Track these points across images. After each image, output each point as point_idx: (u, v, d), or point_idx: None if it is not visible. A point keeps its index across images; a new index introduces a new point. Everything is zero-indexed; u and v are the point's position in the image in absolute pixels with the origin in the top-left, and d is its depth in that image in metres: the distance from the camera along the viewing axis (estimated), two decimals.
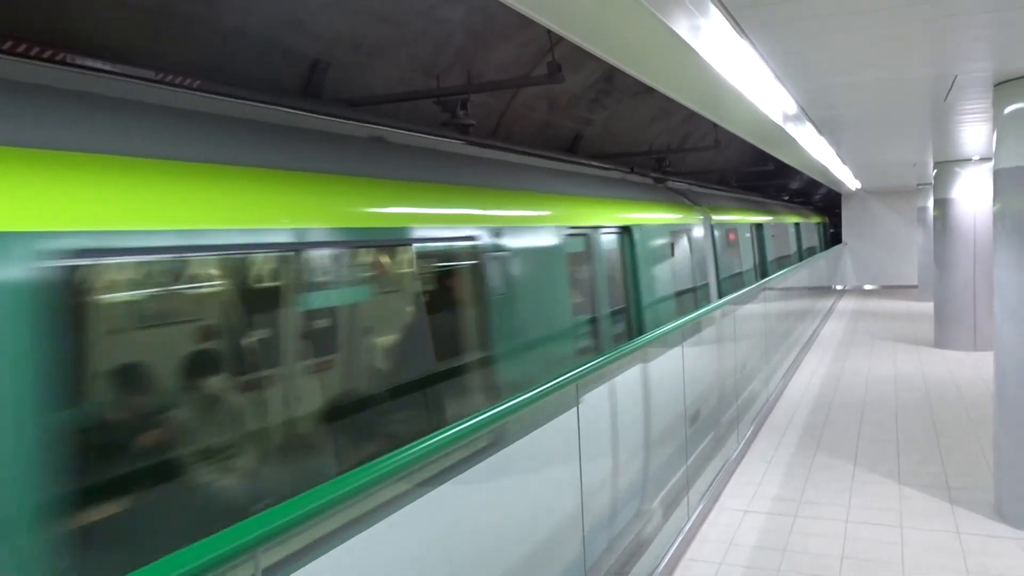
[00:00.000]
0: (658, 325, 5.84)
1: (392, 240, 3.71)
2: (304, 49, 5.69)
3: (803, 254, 19.61)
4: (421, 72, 6.78)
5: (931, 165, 12.72)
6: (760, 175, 19.03)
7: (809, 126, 7.44)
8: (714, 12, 3.33)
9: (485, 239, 4.30)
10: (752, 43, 3.93)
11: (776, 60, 4.40)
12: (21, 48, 2.81)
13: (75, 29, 4.24)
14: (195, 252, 2.60)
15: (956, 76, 5.17)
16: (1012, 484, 5.12)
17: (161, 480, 2.52)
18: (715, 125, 9.74)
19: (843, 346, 12.71)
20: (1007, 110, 5.20)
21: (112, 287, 2.51)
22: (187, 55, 4.97)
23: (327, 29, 5.65)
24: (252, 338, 3.05)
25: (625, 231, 6.67)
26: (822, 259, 17.59)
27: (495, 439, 3.32)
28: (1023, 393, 5.03)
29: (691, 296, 8.53)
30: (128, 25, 4.53)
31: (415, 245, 3.91)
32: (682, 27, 3.46)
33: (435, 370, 3.98)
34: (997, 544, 4.75)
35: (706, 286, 9.29)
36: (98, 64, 3.06)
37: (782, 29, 3.72)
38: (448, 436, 2.32)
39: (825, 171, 13.90)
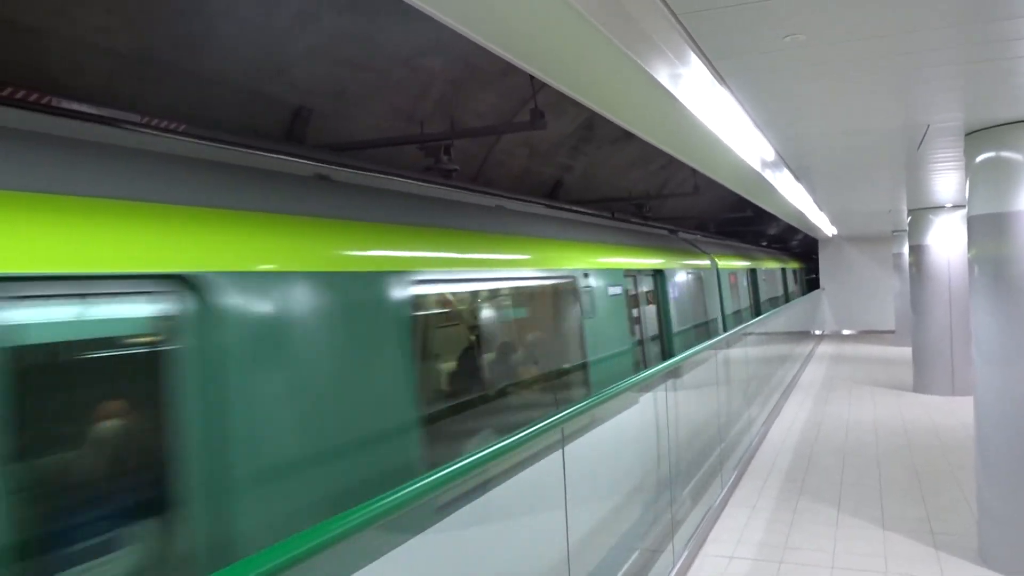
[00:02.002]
0: (681, 346, 8.29)
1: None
2: (286, 97, 5.73)
3: (789, 296, 20.35)
4: (403, 119, 6.85)
5: (905, 212, 12.95)
6: (738, 221, 19.27)
7: (787, 173, 7.57)
8: (694, 60, 3.40)
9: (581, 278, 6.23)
10: (731, 91, 4.01)
11: (755, 108, 4.48)
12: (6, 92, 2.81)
13: (56, 73, 4.24)
14: None
15: (929, 126, 5.29)
16: (995, 529, 5.11)
17: None
18: (694, 171, 9.90)
19: (823, 390, 12.76)
20: (978, 159, 5.32)
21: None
22: (169, 101, 4.98)
23: (309, 77, 5.70)
24: None
25: (657, 273, 8.56)
26: (801, 303, 17.82)
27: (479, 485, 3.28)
28: (1004, 439, 5.06)
29: (704, 327, 10.34)
30: (110, 71, 4.54)
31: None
32: (663, 75, 3.53)
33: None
34: None
35: (716, 320, 11.24)
36: (83, 108, 3.06)
37: (761, 78, 3.81)
38: (434, 480, 2.28)
39: (802, 217, 14.11)
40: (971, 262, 5.39)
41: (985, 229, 5.21)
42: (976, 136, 5.32)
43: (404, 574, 2.66)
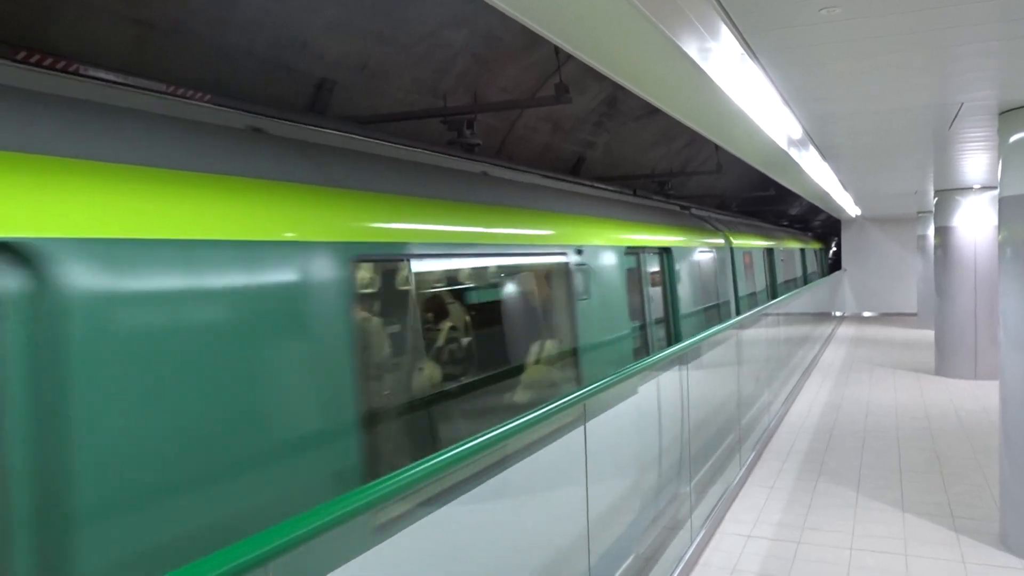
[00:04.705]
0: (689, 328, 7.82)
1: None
2: (309, 69, 5.70)
3: (808, 278, 19.65)
4: (426, 93, 6.80)
5: (932, 193, 12.76)
6: (761, 200, 19.08)
7: (813, 151, 7.46)
8: (725, 34, 3.34)
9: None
10: (762, 66, 3.94)
11: (785, 84, 4.40)
12: (34, 59, 2.80)
13: (85, 42, 4.24)
14: None
15: (962, 104, 5.18)
16: (1018, 514, 5.06)
17: None
18: (717, 149, 9.78)
19: (843, 373, 12.67)
20: (1012, 138, 5.21)
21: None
22: (194, 72, 4.97)
23: (332, 50, 5.67)
24: None
25: (665, 251, 7.79)
26: (822, 285, 17.52)
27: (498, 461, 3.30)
28: None
29: (715, 310, 9.44)
30: (136, 41, 4.54)
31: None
32: (692, 48, 3.47)
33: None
34: (1003, 575, 4.70)
35: (728, 303, 10.22)
36: (110, 76, 3.05)
37: (793, 53, 3.73)
38: (455, 455, 2.28)
39: (826, 197, 13.95)
40: (1002, 244, 5.29)
41: (1017, 211, 5.10)
42: (1011, 115, 5.21)
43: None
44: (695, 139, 11.53)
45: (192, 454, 2.25)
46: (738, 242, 11.35)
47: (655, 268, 7.64)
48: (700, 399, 5.89)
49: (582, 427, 3.43)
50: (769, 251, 14.34)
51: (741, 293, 11.06)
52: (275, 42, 5.27)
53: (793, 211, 24.92)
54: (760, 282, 13.09)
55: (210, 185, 2.57)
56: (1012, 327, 5.14)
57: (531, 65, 7.53)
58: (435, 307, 4.69)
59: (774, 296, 13.45)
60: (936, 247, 12.38)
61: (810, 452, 7.63)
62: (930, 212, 15.66)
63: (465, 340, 4.80)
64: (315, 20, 5.32)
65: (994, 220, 11.05)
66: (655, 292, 7.54)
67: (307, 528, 1.63)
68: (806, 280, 19.82)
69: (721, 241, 10.22)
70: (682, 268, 8.10)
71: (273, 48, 5.30)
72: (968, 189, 11.66)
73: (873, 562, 4.91)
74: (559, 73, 5.67)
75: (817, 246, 25.92)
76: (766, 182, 12.80)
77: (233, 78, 5.26)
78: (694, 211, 11.15)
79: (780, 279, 15.31)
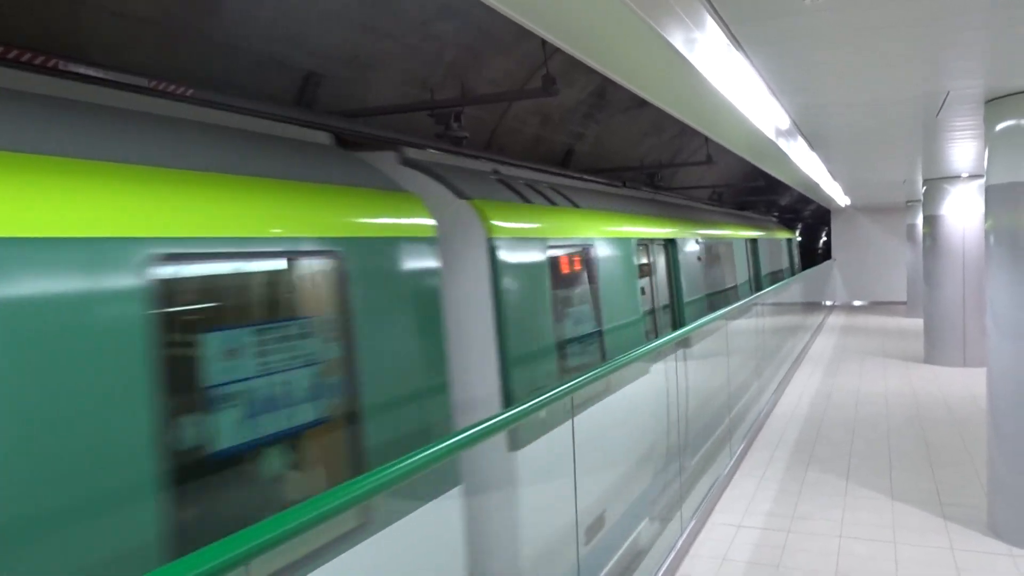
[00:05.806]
0: None
1: None
2: (298, 62, 5.67)
3: (764, 282, 13.66)
4: (415, 86, 6.78)
5: (920, 182, 12.81)
6: (751, 191, 19.12)
7: (801, 141, 7.47)
8: (710, 25, 3.33)
9: None
10: (748, 57, 3.94)
11: (771, 75, 4.41)
12: (12, 55, 2.77)
13: (69, 36, 4.20)
14: None
15: (949, 92, 5.20)
16: (1006, 501, 5.11)
17: None
18: (706, 140, 9.80)
19: (833, 362, 12.73)
20: (998, 127, 5.23)
21: None
22: (181, 65, 4.94)
23: (321, 43, 5.64)
24: None
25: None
26: (795, 284, 13.63)
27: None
28: (1016, 411, 5.02)
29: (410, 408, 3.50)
30: (123, 34, 4.50)
31: None
32: (678, 40, 3.46)
33: None
34: (991, 560, 4.74)
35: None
36: (92, 71, 3.02)
37: (778, 44, 3.73)
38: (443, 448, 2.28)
39: (816, 187, 13.97)
40: (988, 232, 5.32)
41: (1003, 199, 5.13)
42: (996, 103, 5.22)
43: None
44: (685, 130, 11.53)
45: None
46: (520, 226, 4.53)
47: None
48: (688, 392, 5.90)
49: None
50: (667, 244, 7.73)
51: (522, 348, 4.17)
52: (264, 35, 5.24)
53: (783, 201, 24.99)
54: (626, 306, 5.87)
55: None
56: (1000, 315, 5.17)
57: (521, 57, 7.51)
58: None
59: (677, 322, 7.53)
60: (925, 236, 12.44)
61: (800, 442, 7.67)
62: (919, 201, 15.72)
63: None
64: (306, 11, 5.29)
65: (982, 208, 11.12)
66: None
67: (288, 527, 1.63)
68: (760, 286, 13.15)
69: (427, 222, 3.57)
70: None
71: (262, 41, 5.27)
72: (956, 178, 11.72)
73: (862, 550, 4.95)
74: (546, 66, 5.65)
75: (785, 235, 18.91)
76: (756, 172, 12.82)
77: (221, 72, 5.23)
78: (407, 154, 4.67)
79: (700, 291, 8.49)
